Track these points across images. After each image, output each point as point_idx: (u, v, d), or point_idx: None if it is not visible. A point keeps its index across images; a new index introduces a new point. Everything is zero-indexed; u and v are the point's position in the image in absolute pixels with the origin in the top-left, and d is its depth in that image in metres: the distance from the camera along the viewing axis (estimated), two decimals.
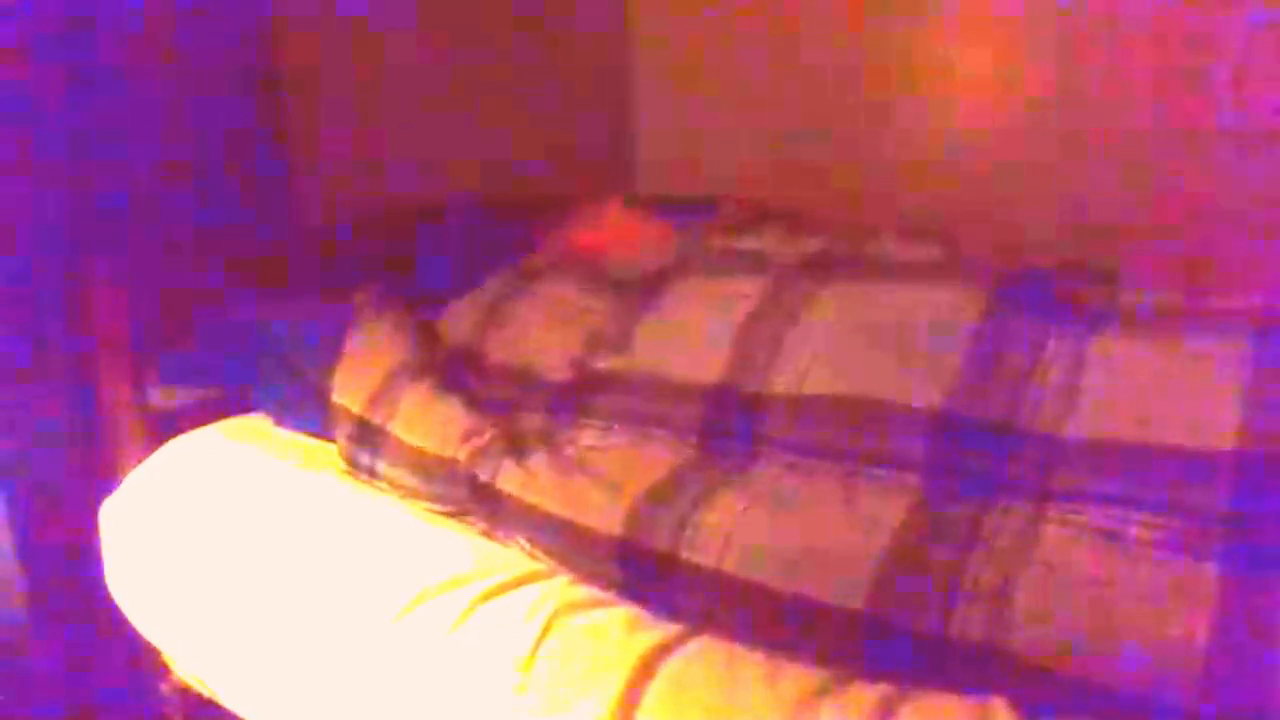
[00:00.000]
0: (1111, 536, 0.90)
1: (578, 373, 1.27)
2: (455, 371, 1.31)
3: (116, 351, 1.40)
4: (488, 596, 1.00)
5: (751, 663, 0.88)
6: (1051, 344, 1.09)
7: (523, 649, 0.94)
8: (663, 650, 0.90)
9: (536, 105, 2.17)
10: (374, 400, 1.26)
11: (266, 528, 1.20)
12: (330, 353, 1.36)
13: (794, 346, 1.15)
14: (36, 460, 1.41)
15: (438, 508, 1.18)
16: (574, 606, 0.97)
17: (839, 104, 2.16)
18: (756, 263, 1.33)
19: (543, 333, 1.35)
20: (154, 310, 1.42)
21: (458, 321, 1.43)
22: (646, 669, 0.88)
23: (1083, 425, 1.00)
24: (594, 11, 2.36)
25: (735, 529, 0.95)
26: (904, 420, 1.04)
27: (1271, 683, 0.75)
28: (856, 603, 0.86)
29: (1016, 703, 0.79)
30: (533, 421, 1.20)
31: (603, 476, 1.06)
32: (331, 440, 1.30)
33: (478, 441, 1.15)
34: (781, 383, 1.13)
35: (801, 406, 1.10)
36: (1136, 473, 0.94)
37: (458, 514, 1.16)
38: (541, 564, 1.05)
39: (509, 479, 1.09)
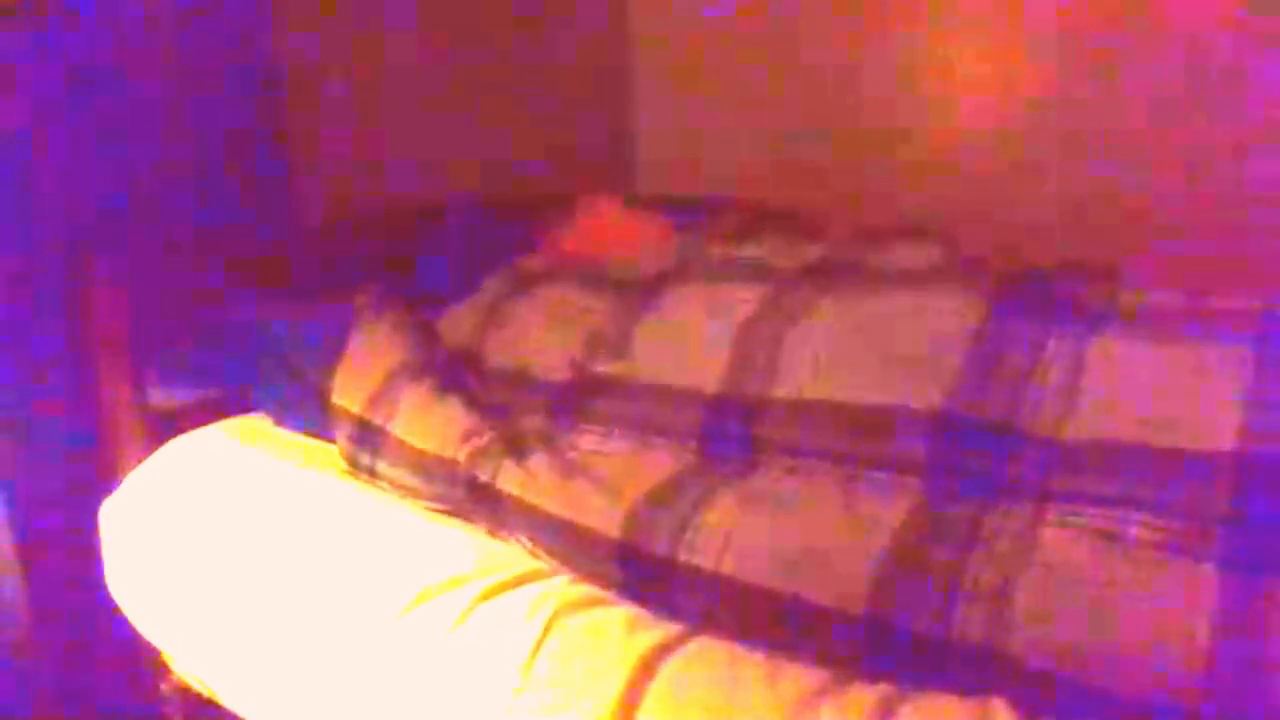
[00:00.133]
0: (1111, 537, 0.90)
1: (577, 376, 1.27)
2: (455, 372, 1.31)
3: (116, 351, 1.40)
4: (488, 596, 1.00)
5: (751, 663, 0.88)
6: (1051, 344, 1.09)
7: (523, 649, 0.94)
8: (663, 650, 0.90)
9: (536, 105, 2.17)
10: (374, 400, 1.26)
11: (266, 528, 1.20)
12: (330, 353, 1.35)
13: (793, 351, 1.15)
14: (36, 460, 1.41)
15: (438, 507, 1.18)
16: (574, 606, 0.97)
17: (839, 104, 2.16)
18: (757, 271, 1.33)
19: (542, 335, 1.34)
20: (154, 310, 1.42)
21: (457, 324, 1.43)
22: (646, 669, 0.88)
23: (1083, 426, 1.00)
24: (594, 11, 2.36)
25: (734, 531, 0.95)
26: (904, 422, 1.04)
27: (1272, 684, 0.75)
28: (856, 604, 0.86)
29: (1016, 704, 0.79)
30: (532, 423, 1.20)
31: (603, 479, 1.06)
32: (331, 440, 1.30)
33: (477, 442, 1.15)
34: (781, 387, 1.12)
35: (801, 411, 1.10)
36: (1136, 473, 0.94)
37: (458, 513, 1.16)
38: (542, 563, 1.05)
39: (509, 479, 1.09)
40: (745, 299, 1.24)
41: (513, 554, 1.07)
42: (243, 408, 1.46)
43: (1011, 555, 0.89)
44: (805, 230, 1.50)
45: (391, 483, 1.22)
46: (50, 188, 1.39)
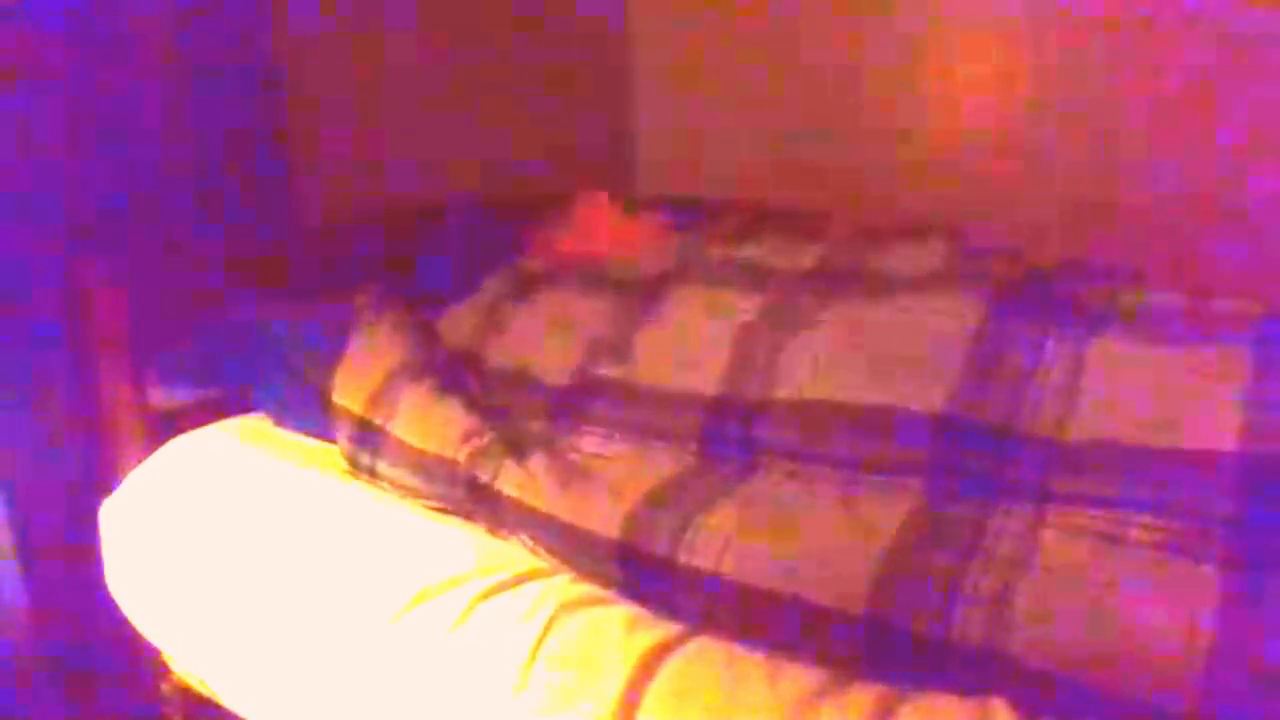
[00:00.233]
0: (1112, 539, 0.90)
1: (578, 378, 1.27)
2: (455, 373, 1.31)
3: (116, 351, 1.39)
4: (488, 595, 1.00)
5: (752, 663, 0.88)
6: (1051, 345, 1.09)
7: (523, 648, 0.94)
8: (663, 650, 0.90)
9: (536, 105, 2.17)
10: (374, 400, 1.26)
11: (266, 527, 1.20)
12: (330, 353, 1.36)
13: (794, 353, 1.15)
14: (36, 460, 1.41)
15: (438, 506, 1.18)
16: (574, 605, 0.97)
17: (839, 104, 2.16)
18: (756, 275, 1.33)
19: (543, 340, 1.34)
20: (154, 310, 1.42)
21: (457, 324, 1.43)
22: (646, 669, 0.88)
23: (1083, 427, 1.00)
24: (594, 11, 2.36)
25: (734, 533, 0.95)
26: (905, 423, 1.04)
27: (1273, 686, 0.75)
28: (856, 605, 0.86)
29: (1016, 704, 0.78)
30: (533, 425, 1.20)
31: (604, 481, 1.06)
32: (331, 440, 1.30)
33: (478, 443, 1.15)
34: (781, 388, 1.12)
35: (801, 411, 1.10)
36: (1137, 474, 0.94)
37: (458, 513, 1.16)
38: (542, 562, 1.05)
39: (508, 480, 1.09)
40: (745, 309, 1.24)
41: (513, 553, 1.07)
42: (243, 408, 1.46)
43: (1012, 557, 0.89)
44: (805, 230, 1.50)
45: (392, 483, 1.22)
46: (50, 188, 1.39)
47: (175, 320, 1.46)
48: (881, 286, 1.25)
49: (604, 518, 1.01)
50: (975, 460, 1.01)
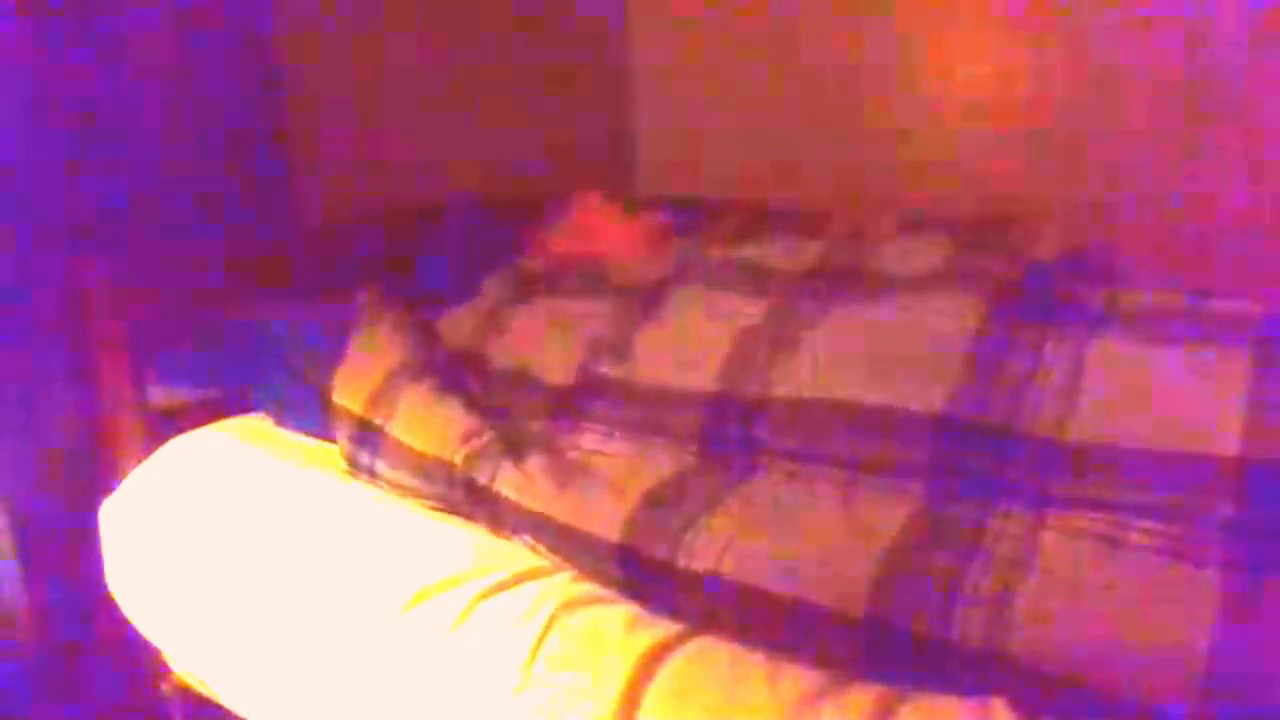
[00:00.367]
0: (1112, 542, 0.90)
1: (578, 377, 1.27)
2: (455, 373, 1.31)
3: (116, 351, 1.40)
4: (488, 595, 1.00)
5: (752, 663, 0.88)
6: (1051, 346, 1.09)
7: (523, 648, 0.94)
8: (663, 650, 0.90)
9: (536, 105, 2.17)
10: (374, 400, 1.26)
11: (266, 527, 1.20)
12: (330, 353, 1.36)
13: (794, 353, 1.15)
14: (37, 460, 1.41)
15: (438, 506, 1.18)
16: (575, 605, 0.97)
17: (839, 104, 2.16)
18: (756, 277, 1.33)
19: (543, 338, 1.34)
20: (154, 310, 1.42)
21: (457, 324, 1.43)
22: (647, 669, 0.88)
23: (1083, 428, 1.00)
24: (594, 11, 2.36)
25: (735, 533, 0.95)
26: (905, 424, 1.03)
27: (1273, 689, 0.75)
28: (856, 606, 0.86)
29: (1016, 705, 0.78)
30: (533, 425, 1.20)
31: (603, 480, 1.06)
32: (331, 440, 1.30)
33: (476, 443, 1.15)
34: (781, 387, 1.12)
35: (801, 410, 1.10)
36: (1137, 476, 0.94)
37: (458, 513, 1.16)
38: (542, 561, 1.05)
39: (506, 481, 1.09)
40: (745, 310, 1.24)
41: (513, 552, 1.07)
42: (243, 408, 1.46)
43: (1012, 558, 0.89)
44: (805, 230, 1.50)
45: (391, 483, 1.22)
46: (50, 188, 1.39)
47: (175, 320, 1.46)
48: (881, 286, 1.25)
49: (604, 519, 1.01)
50: (975, 461, 1.01)
